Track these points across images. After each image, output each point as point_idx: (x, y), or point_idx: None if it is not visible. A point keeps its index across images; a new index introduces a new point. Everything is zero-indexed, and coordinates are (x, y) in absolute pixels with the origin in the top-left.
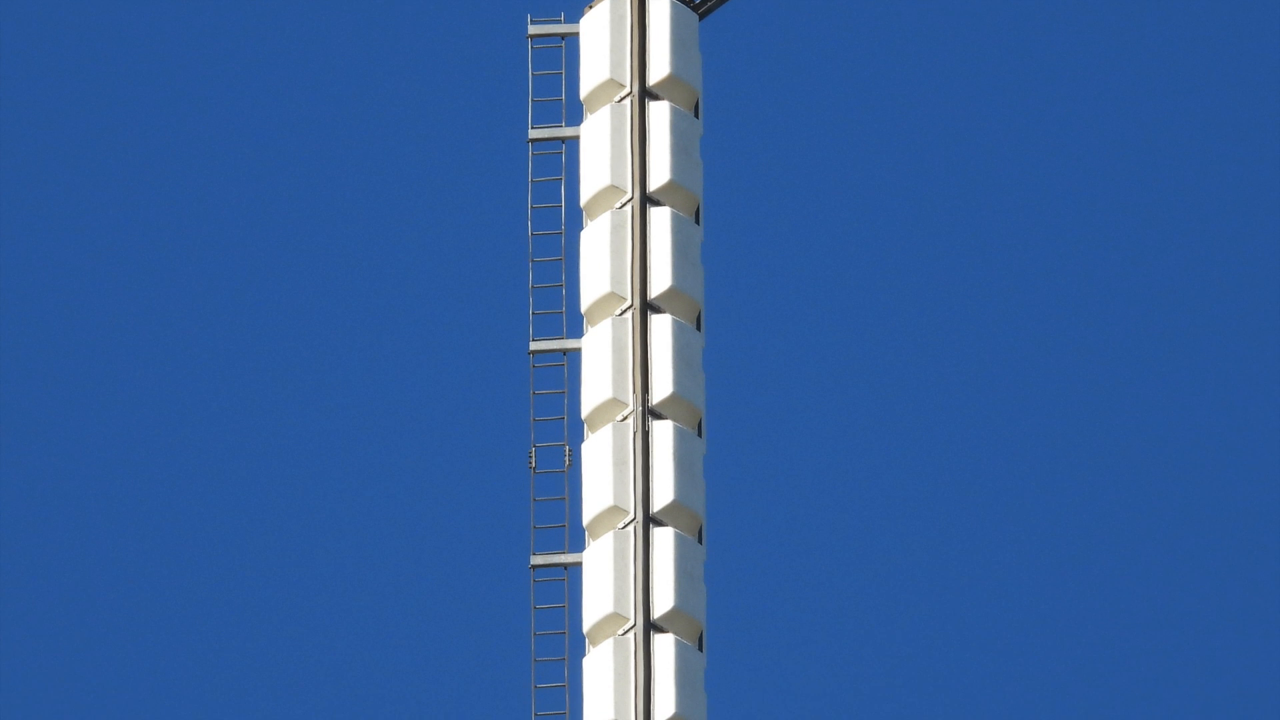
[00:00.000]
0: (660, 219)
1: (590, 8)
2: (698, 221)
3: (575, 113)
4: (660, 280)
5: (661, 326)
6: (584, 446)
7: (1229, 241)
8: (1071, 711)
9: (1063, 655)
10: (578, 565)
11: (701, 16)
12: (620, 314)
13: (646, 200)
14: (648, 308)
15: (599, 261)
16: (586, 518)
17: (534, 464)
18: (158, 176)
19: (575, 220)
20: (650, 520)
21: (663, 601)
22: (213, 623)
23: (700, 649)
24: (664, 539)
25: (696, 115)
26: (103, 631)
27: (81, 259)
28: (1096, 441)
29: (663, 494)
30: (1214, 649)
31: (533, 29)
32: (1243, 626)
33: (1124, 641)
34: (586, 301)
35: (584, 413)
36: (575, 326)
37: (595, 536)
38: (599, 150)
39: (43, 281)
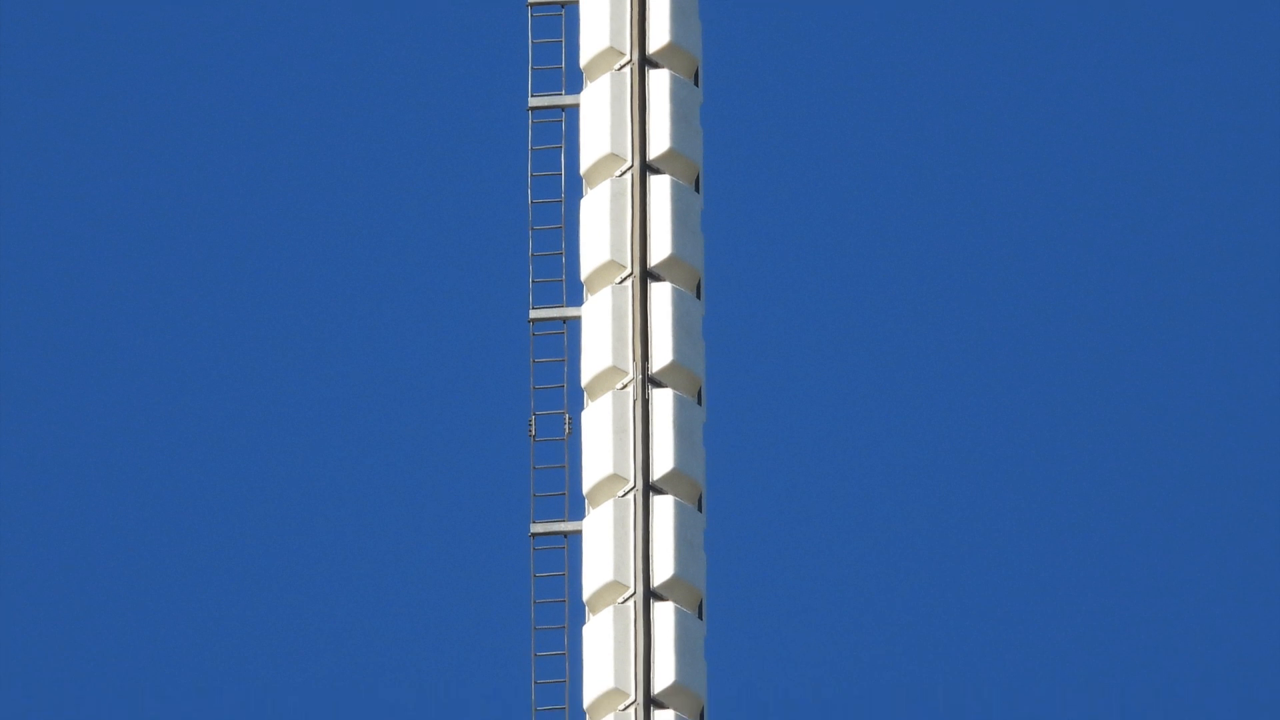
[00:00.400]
0: (660, 187)
1: None
2: (698, 190)
3: (575, 81)
4: (660, 248)
5: (661, 294)
6: (584, 414)
7: (1229, 214)
8: (1071, 678)
9: (1062, 623)
10: (577, 533)
11: None
12: (620, 282)
13: (646, 168)
14: (648, 276)
15: (599, 229)
16: (586, 486)
17: (534, 432)
18: (157, 143)
19: (575, 188)
20: (650, 488)
21: (663, 569)
22: (213, 591)
23: (700, 617)
24: (664, 507)
25: (696, 83)
26: (102, 588)
27: (69, 212)
28: (1096, 410)
29: (663, 462)
30: (1214, 618)
31: None
32: (1243, 596)
33: (1123, 609)
34: (586, 269)
35: (584, 381)
36: (575, 294)
37: (595, 505)
38: (599, 118)
39: (32, 241)
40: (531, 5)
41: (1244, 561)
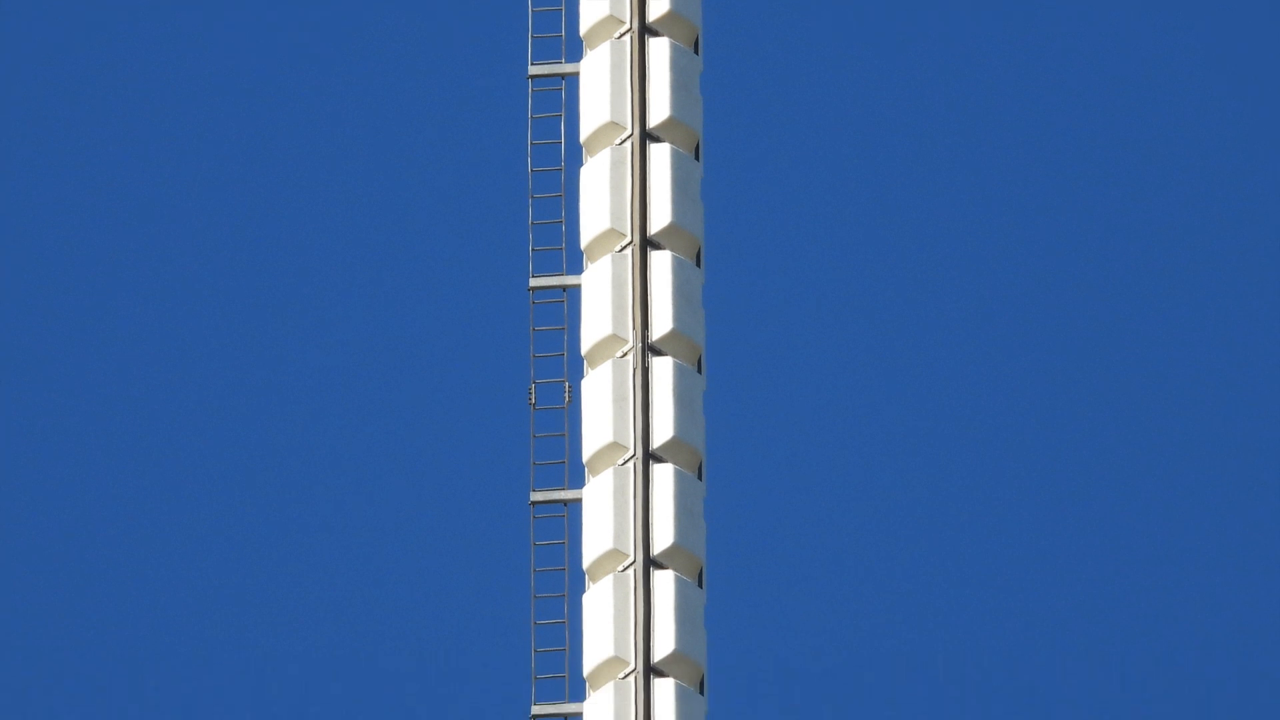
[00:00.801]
0: (660, 155)
1: None
2: (698, 158)
3: (575, 49)
4: (660, 216)
5: (661, 263)
6: (584, 383)
7: (1232, 198)
8: (1071, 645)
9: (1061, 591)
10: (577, 501)
11: None
12: (620, 250)
13: (646, 136)
14: (647, 244)
15: (599, 198)
16: (586, 454)
17: (534, 400)
18: (156, 109)
19: (575, 157)
20: (650, 456)
21: (663, 538)
22: (213, 560)
23: (700, 585)
24: (664, 475)
25: (696, 51)
26: (101, 555)
27: (64, 172)
28: (1097, 375)
29: (662, 430)
30: (1214, 586)
31: None
32: (1243, 563)
33: (1122, 576)
34: (586, 238)
35: (584, 349)
36: (575, 263)
37: (595, 473)
38: (599, 86)
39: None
40: None
41: (1244, 529)
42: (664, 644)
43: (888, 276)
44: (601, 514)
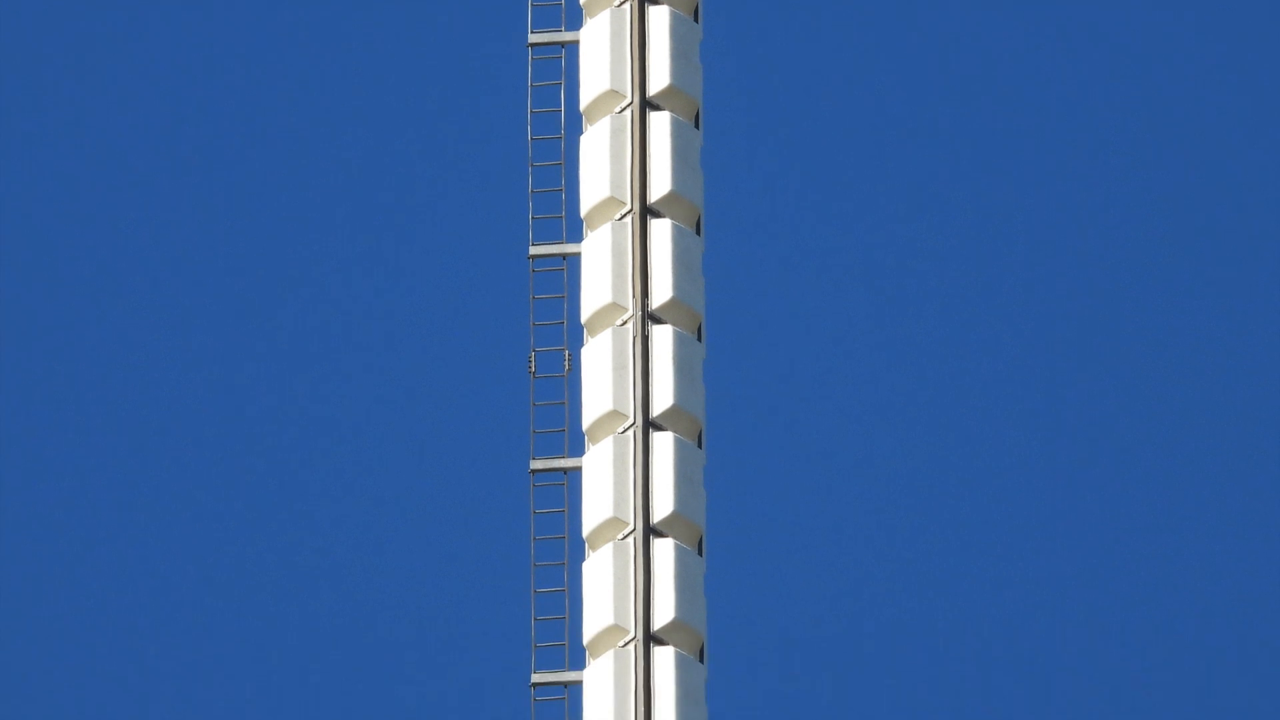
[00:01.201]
0: (660, 123)
1: None
2: (697, 126)
3: (575, 17)
4: (660, 185)
5: (661, 231)
6: (584, 351)
7: (1230, 156)
8: (1071, 613)
9: (1063, 558)
10: (577, 470)
11: None
12: (620, 218)
13: (646, 104)
14: (647, 212)
15: (599, 166)
16: (586, 422)
17: (534, 369)
18: (153, 87)
19: (575, 125)
20: (650, 425)
21: (662, 506)
22: (213, 528)
23: (700, 553)
24: (663, 443)
25: (696, 19)
26: (100, 522)
27: (57, 190)
28: (1098, 339)
29: (662, 398)
30: (1214, 552)
31: None
32: (1243, 530)
33: (1124, 543)
34: (586, 206)
35: (584, 317)
36: (575, 231)
37: (595, 441)
38: (598, 55)
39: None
40: None
41: (1244, 496)
42: (664, 612)
43: (888, 243)
44: (601, 482)
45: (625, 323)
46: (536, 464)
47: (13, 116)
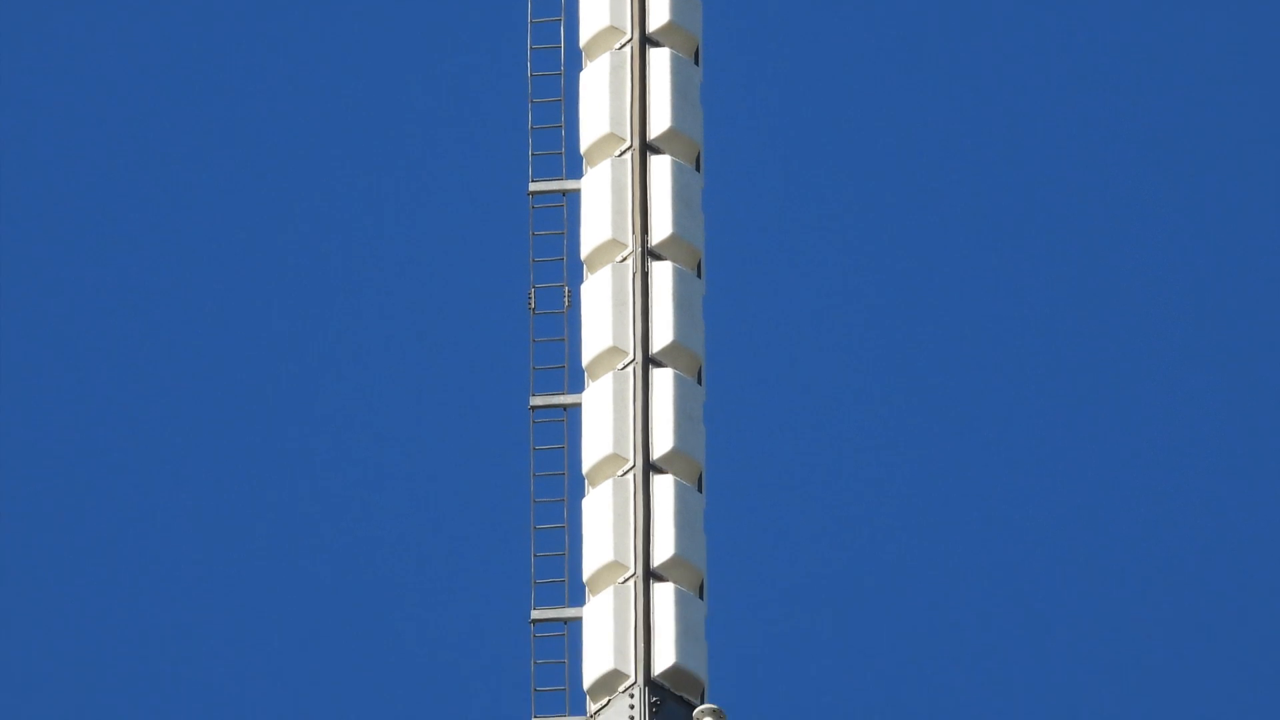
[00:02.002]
0: (659, 60)
1: None
2: (697, 63)
3: None
4: (660, 121)
5: (661, 167)
6: (583, 287)
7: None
8: (1072, 552)
9: (1064, 496)
10: (576, 406)
11: None
12: (620, 155)
13: (646, 41)
14: (647, 148)
15: (598, 102)
16: (585, 359)
17: (533, 305)
18: (160, 66)
19: (574, 61)
20: (649, 361)
21: (662, 443)
22: (209, 468)
23: (700, 490)
24: (663, 381)
25: None
26: (98, 458)
27: (50, 195)
28: (1096, 329)
29: (662, 335)
30: (1214, 491)
31: None
32: (1242, 468)
33: (1122, 482)
34: (586, 142)
35: (583, 254)
36: (575, 167)
37: (594, 377)
38: None
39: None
40: None
41: (1245, 463)
42: (664, 548)
43: (889, 184)
44: (601, 418)
45: (625, 259)
46: (536, 400)
47: (13, 116)
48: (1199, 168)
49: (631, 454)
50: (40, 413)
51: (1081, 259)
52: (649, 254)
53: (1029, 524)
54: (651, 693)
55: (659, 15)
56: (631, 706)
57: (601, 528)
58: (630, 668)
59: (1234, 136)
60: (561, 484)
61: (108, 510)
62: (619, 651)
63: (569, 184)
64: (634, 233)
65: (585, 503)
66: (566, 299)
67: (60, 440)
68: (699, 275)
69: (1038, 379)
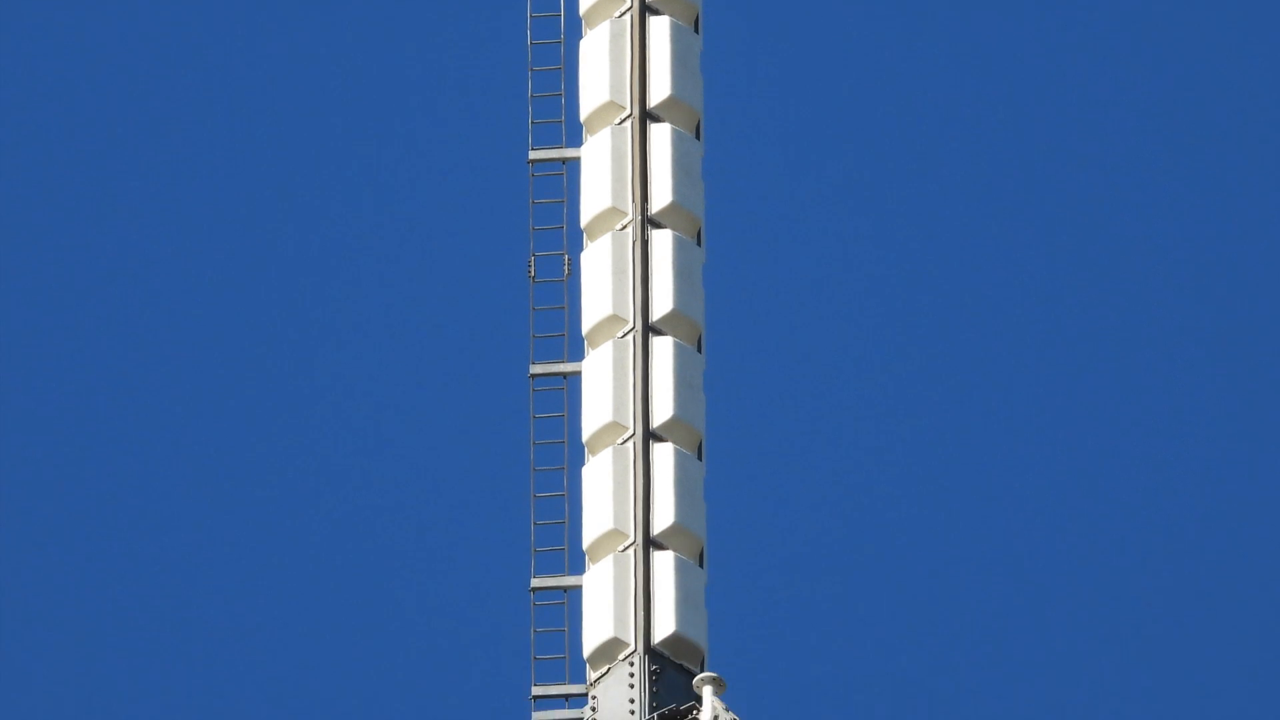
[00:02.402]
0: (659, 28)
1: None
2: (697, 30)
3: None
4: (660, 89)
5: (661, 135)
6: (583, 256)
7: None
8: (1073, 519)
9: (1065, 462)
10: (576, 374)
11: None
12: (619, 123)
13: (646, 9)
14: (647, 116)
15: (598, 70)
16: (585, 327)
17: (533, 273)
18: (158, 61)
19: (574, 29)
20: (649, 329)
21: (662, 410)
22: (207, 432)
23: (700, 458)
24: (663, 348)
25: None
26: (101, 423)
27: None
28: (1095, 298)
29: (662, 303)
30: (1209, 520)
31: None
32: (1243, 428)
33: (1122, 448)
34: (586, 110)
35: (583, 222)
36: (575, 135)
37: (594, 346)
38: None
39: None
40: None
41: (1244, 432)
42: (664, 517)
43: (890, 147)
44: (601, 386)
45: (625, 227)
46: (536, 369)
47: (12, 115)
48: (1200, 147)
49: (631, 422)
50: (35, 394)
51: (1082, 230)
52: (649, 222)
53: (1028, 492)
54: (651, 661)
55: None
56: (631, 675)
57: (601, 496)
58: (630, 636)
59: (1230, 106)
60: (561, 452)
61: (104, 477)
62: (619, 620)
63: (569, 152)
64: (634, 201)
65: (585, 471)
66: (566, 267)
67: (54, 408)
68: (699, 243)
69: (1037, 346)
